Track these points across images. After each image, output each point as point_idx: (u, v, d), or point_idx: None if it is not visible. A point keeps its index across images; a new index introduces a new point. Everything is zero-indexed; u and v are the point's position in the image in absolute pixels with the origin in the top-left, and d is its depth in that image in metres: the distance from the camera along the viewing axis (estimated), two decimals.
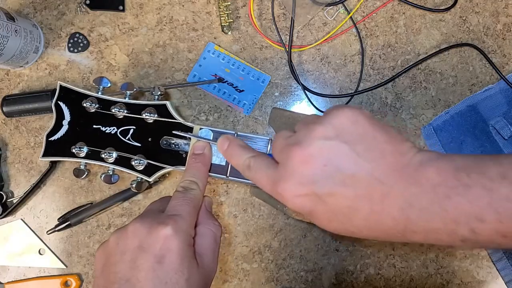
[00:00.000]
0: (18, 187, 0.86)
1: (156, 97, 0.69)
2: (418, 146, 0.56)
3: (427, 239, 0.48)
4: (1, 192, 0.83)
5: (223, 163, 0.65)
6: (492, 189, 0.44)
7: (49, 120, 0.82)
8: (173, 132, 0.67)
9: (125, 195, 0.84)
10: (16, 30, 0.76)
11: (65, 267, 0.85)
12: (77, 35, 0.85)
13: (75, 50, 0.85)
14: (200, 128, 0.66)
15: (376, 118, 0.54)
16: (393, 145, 0.49)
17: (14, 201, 0.84)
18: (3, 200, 0.84)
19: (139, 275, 0.51)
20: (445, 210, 0.45)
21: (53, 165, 0.83)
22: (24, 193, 0.83)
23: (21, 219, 0.85)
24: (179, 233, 0.53)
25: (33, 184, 0.83)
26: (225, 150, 0.62)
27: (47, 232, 0.84)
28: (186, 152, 0.66)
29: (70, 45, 0.85)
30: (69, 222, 0.83)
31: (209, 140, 0.66)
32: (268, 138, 0.64)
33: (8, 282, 0.85)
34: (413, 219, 0.46)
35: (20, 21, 0.79)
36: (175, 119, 0.67)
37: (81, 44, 0.85)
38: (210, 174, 0.65)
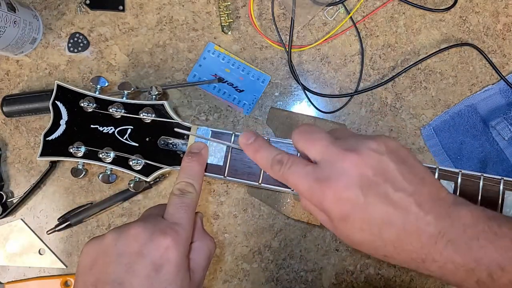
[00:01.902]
0: (18, 187, 0.83)
1: (154, 96, 0.67)
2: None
3: (444, 272, 0.48)
4: (1, 192, 0.81)
5: (221, 163, 0.63)
6: None
7: (49, 120, 0.79)
8: (175, 129, 0.64)
9: (125, 195, 0.81)
10: (15, 21, 0.73)
11: (65, 267, 0.83)
12: (77, 35, 0.82)
13: (75, 50, 0.82)
14: (199, 127, 0.64)
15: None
16: (430, 178, 0.50)
17: (14, 201, 0.81)
18: (3, 200, 0.81)
19: (133, 280, 0.49)
20: (470, 249, 0.45)
21: (53, 165, 0.81)
22: (24, 193, 0.80)
23: (21, 219, 0.83)
24: (179, 245, 0.52)
25: (33, 184, 0.80)
26: (251, 144, 0.59)
27: (47, 232, 0.82)
28: (184, 152, 0.64)
29: (70, 45, 0.82)
30: (69, 222, 0.81)
31: (209, 139, 0.63)
32: (266, 138, 0.62)
33: (8, 282, 0.83)
34: (438, 249, 0.47)
35: (21, 11, 0.76)
36: (173, 119, 0.65)
37: (81, 44, 0.82)
38: (208, 174, 0.63)
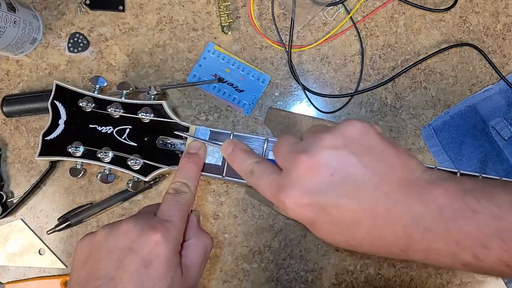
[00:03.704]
0: (18, 187, 0.82)
1: (152, 96, 0.65)
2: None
3: (428, 259, 0.45)
4: (1, 192, 0.80)
5: (219, 163, 0.62)
6: (500, 217, 0.42)
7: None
8: (175, 132, 0.63)
9: (125, 195, 0.80)
10: (15, 21, 0.72)
11: (65, 267, 0.82)
12: (77, 35, 0.81)
13: (75, 50, 0.81)
14: (197, 127, 0.63)
15: (385, 134, 0.51)
16: (401, 160, 0.47)
17: (14, 201, 0.80)
18: (3, 200, 0.80)
19: (123, 275, 0.48)
20: (449, 232, 0.43)
21: (53, 165, 0.80)
22: (24, 193, 0.79)
23: (21, 219, 0.82)
24: (169, 241, 0.50)
25: (33, 184, 0.79)
26: (229, 154, 0.58)
27: (47, 232, 0.80)
28: (182, 152, 0.63)
29: (70, 45, 0.81)
30: (69, 222, 0.80)
31: (205, 140, 0.62)
32: (264, 138, 0.61)
33: (8, 282, 0.82)
34: (415, 238, 0.44)
35: (21, 11, 0.74)
36: (172, 119, 0.64)
37: (81, 44, 0.81)
38: (206, 174, 0.62)
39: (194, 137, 0.62)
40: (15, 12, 0.72)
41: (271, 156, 0.63)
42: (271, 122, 0.79)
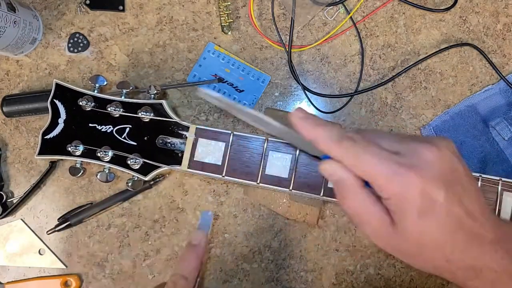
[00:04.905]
0: (18, 187, 0.81)
1: (152, 96, 0.65)
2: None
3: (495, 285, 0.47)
4: (1, 192, 0.79)
5: (219, 163, 0.62)
6: None
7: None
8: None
9: (125, 195, 0.80)
10: (15, 21, 0.72)
11: (65, 267, 0.81)
12: (77, 35, 0.81)
13: (75, 50, 0.80)
14: (203, 212, 0.64)
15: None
16: (480, 208, 0.48)
17: (14, 201, 0.80)
18: (3, 200, 0.79)
19: None
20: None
21: (53, 165, 0.79)
22: (24, 193, 0.79)
23: (21, 219, 0.81)
24: None
25: (33, 184, 0.78)
26: (308, 117, 0.51)
27: (47, 232, 0.80)
28: (182, 152, 0.63)
29: (70, 45, 0.81)
30: (69, 222, 0.79)
31: (214, 96, 0.53)
32: (264, 138, 0.61)
33: (8, 282, 0.81)
34: (498, 256, 0.46)
35: (21, 11, 0.74)
36: (172, 118, 0.64)
37: (81, 44, 0.80)
38: (206, 173, 0.62)
39: (206, 92, 0.53)
40: (15, 12, 0.72)
41: (271, 155, 0.63)
42: None
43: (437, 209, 0.45)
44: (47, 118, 0.68)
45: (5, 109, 0.78)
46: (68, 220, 0.79)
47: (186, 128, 0.63)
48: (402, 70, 0.80)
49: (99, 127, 0.65)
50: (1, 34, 0.70)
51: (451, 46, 0.81)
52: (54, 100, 0.66)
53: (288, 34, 0.80)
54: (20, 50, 0.78)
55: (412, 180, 0.44)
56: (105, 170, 0.66)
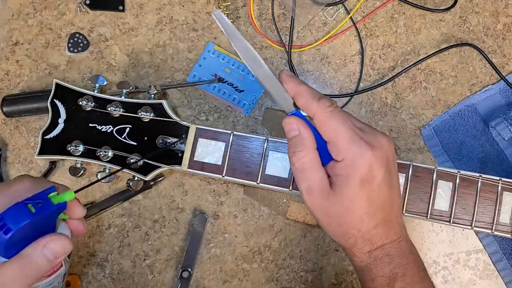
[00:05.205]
0: None
1: (152, 96, 0.65)
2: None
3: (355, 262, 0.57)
4: None
5: (219, 163, 0.62)
6: None
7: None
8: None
9: (125, 195, 0.79)
10: None
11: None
12: (77, 35, 0.81)
13: (75, 50, 0.80)
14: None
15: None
16: (400, 200, 0.59)
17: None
18: None
19: None
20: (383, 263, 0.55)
21: (53, 165, 0.79)
22: None
23: None
24: None
25: None
26: (295, 77, 0.57)
27: None
28: (182, 152, 0.63)
29: (70, 45, 0.81)
30: None
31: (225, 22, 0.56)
32: (264, 138, 0.61)
33: None
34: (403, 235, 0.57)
35: None
36: (172, 118, 0.64)
37: (81, 44, 0.80)
38: (206, 173, 0.62)
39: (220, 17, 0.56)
40: None
41: (271, 155, 0.63)
42: (268, 123, 0.79)
43: (374, 184, 0.52)
44: (47, 118, 0.68)
45: (5, 109, 0.78)
46: None
47: (186, 128, 0.63)
48: (402, 70, 0.80)
49: (99, 127, 0.65)
50: None
51: (451, 46, 0.81)
52: (54, 100, 0.66)
53: (288, 34, 0.80)
54: None
55: (366, 153, 0.51)
56: (105, 170, 0.65)
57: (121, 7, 0.81)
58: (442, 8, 0.81)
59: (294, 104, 0.55)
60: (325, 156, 0.54)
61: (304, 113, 0.55)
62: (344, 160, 0.52)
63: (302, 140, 0.54)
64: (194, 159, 0.64)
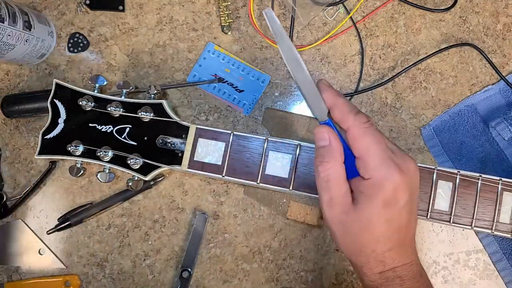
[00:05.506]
0: (18, 187, 0.81)
1: (152, 95, 0.65)
2: None
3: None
4: (1, 192, 0.79)
5: (219, 163, 0.62)
6: None
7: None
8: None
9: (125, 195, 0.79)
10: (27, 40, 0.72)
11: (65, 267, 0.81)
12: (77, 35, 0.81)
13: (75, 50, 0.80)
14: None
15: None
16: (415, 225, 0.58)
17: (14, 201, 0.80)
18: (3, 200, 0.79)
19: None
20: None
21: (53, 165, 0.79)
22: (24, 193, 0.79)
23: (21, 219, 0.81)
24: None
25: (33, 184, 0.78)
26: (332, 88, 0.57)
27: (47, 232, 0.80)
28: (182, 152, 0.63)
29: (70, 45, 0.81)
30: (69, 222, 0.79)
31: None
32: (264, 138, 0.61)
33: (8, 282, 0.81)
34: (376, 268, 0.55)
35: (38, 29, 0.74)
36: (172, 118, 0.64)
37: (81, 44, 0.80)
38: (206, 173, 0.62)
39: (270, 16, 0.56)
40: (30, 30, 0.72)
41: (271, 155, 0.63)
42: (268, 122, 0.79)
43: (396, 207, 0.52)
44: (47, 118, 0.68)
45: (5, 109, 0.78)
46: (68, 220, 0.79)
47: (186, 128, 0.63)
48: (402, 70, 0.80)
49: (99, 127, 0.65)
50: (9, 50, 0.70)
51: (451, 46, 0.80)
52: (54, 100, 0.66)
53: (288, 34, 0.79)
54: (26, 62, 0.78)
55: (394, 175, 0.51)
56: (105, 170, 0.65)
57: (121, 7, 0.81)
58: (442, 8, 0.80)
59: (328, 114, 0.55)
60: (350, 170, 0.54)
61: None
62: (371, 179, 0.52)
63: (331, 151, 0.54)
64: (194, 159, 0.64)
